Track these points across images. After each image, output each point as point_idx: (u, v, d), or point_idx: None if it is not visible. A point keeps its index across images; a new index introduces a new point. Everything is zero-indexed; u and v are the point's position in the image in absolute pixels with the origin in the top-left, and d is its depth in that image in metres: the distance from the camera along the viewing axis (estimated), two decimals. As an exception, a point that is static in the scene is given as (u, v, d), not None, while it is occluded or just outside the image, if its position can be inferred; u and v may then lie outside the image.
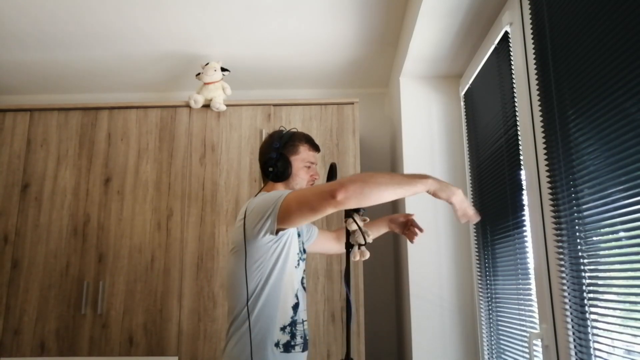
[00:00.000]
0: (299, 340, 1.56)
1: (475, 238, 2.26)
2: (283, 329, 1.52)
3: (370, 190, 1.29)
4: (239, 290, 1.53)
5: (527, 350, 1.58)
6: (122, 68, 2.78)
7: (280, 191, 1.51)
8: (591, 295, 1.25)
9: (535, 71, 1.53)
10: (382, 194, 1.30)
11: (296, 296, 1.58)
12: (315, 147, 1.71)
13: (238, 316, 1.52)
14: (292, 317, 1.55)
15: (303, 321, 1.61)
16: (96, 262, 2.40)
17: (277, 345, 1.49)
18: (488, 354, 2.09)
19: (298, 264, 1.62)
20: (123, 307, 2.35)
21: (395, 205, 2.76)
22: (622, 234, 1.13)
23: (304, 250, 1.74)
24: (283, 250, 1.55)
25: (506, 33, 1.80)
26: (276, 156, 1.62)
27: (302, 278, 1.66)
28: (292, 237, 1.59)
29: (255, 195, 1.61)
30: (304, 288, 1.66)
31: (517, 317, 1.74)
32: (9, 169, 2.52)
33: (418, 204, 2.37)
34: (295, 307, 1.57)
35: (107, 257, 2.41)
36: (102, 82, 2.96)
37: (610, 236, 1.18)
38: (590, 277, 1.25)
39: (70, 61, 2.69)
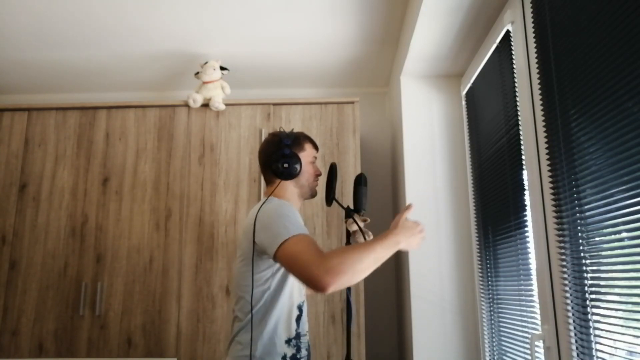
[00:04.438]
0: (303, 352, 1.55)
1: (477, 238, 2.25)
2: (288, 341, 1.50)
3: (357, 278, 1.35)
4: (243, 301, 1.51)
5: (528, 351, 1.57)
6: (121, 67, 2.76)
7: (282, 217, 1.45)
8: (593, 296, 1.24)
9: (537, 70, 1.52)
10: (364, 274, 1.37)
11: (299, 308, 1.56)
12: (315, 146, 1.74)
13: (244, 327, 1.49)
14: (296, 330, 1.53)
15: (306, 333, 1.60)
16: (94, 263, 2.39)
17: (284, 358, 1.47)
18: (489, 355, 2.08)
19: None
20: (121, 308, 2.34)
21: (396, 205, 2.75)
22: (624, 234, 1.13)
23: None
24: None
25: (508, 32, 1.79)
26: (289, 153, 1.61)
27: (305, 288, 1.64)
28: None
29: (266, 199, 1.56)
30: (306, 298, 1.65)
31: (519, 318, 1.72)
32: (7, 168, 2.51)
33: (418, 203, 2.36)
34: (299, 319, 1.55)
35: (105, 257, 2.39)
36: (100, 82, 2.95)
37: (613, 236, 1.17)
38: (592, 278, 1.24)
39: (68, 60, 2.68)
